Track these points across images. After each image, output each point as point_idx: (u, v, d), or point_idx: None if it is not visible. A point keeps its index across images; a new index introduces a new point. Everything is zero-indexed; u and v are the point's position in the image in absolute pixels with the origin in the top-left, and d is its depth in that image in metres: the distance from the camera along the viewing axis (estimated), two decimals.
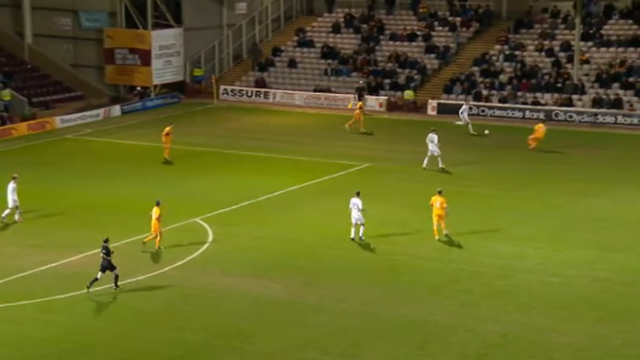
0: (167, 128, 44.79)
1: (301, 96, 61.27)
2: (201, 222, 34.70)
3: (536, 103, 55.72)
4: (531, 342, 24.36)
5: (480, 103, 56.38)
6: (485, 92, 57.45)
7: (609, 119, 52.74)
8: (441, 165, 42.08)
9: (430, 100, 57.56)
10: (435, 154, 42.23)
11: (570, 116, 53.73)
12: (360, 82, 59.15)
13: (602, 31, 59.47)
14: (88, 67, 63.58)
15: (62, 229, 34.52)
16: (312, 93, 61.37)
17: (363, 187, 39.96)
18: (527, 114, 54.55)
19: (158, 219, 31.64)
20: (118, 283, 28.26)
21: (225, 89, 62.91)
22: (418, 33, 63.97)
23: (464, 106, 51.17)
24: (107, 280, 28.27)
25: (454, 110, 55.97)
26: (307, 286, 28.81)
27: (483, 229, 33.76)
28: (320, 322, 26.00)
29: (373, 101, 58.79)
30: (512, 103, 55.83)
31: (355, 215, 32.14)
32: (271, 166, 44.38)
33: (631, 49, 57.51)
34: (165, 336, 25.34)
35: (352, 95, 57.72)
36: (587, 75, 56.58)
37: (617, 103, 53.68)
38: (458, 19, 64.25)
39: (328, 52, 64.31)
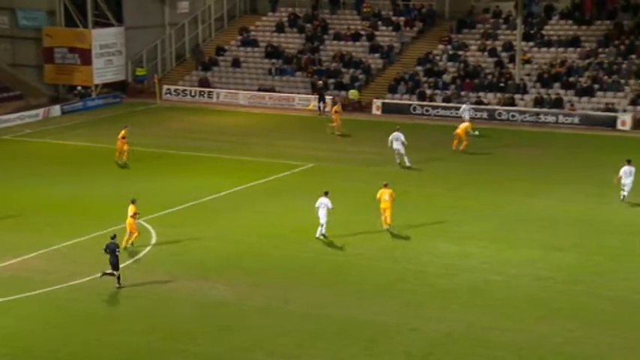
0: (122, 132, 43.98)
1: (245, 96, 61.03)
2: (144, 223, 34.28)
3: (479, 102, 56.23)
4: (475, 340, 24.52)
5: (424, 103, 56.73)
6: (429, 92, 57.82)
7: (551, 119, 53.44)
8: (407, 163, 42.65)
9: (375, 100, 57.74)
10: (401, 151, 42.73)
11: (513, 116, 54.33)
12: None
13: (543, 32, 60.26)
14: (26, 67, 62.59)
15: None
16: (256, 92, 61.17)
17: (308, 187, 40.02)
18: (471, 113, 54.94)
19: (133, 217, 31.38)
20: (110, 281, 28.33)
21: (169, 89, 62.37)
22: (362, 33, 64.15)
23: (464, 106, 51.26)
24: (52, 282, 27.74)
25: (399, 110, 56.38)
26: (253, 287, 28.65)
27: (428, 229, 33.92)
28: (266, 323, 25.85)
29: (316, 101, 58.70)
30: (455, 103, 56.26)
31: (321, 214, 32.35)
32: (216, 166, 44.08)
33: (571, 49, 58.36)
34: (108, 339, 24.96)
35: (312, 96, 57.71)
36: (529, 75, 57.28)
37: (558, 103, 54.43)
38: (401, 18, 64.57)
39: (272, 52, 64.15)
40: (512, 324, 25.52)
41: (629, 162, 36.90)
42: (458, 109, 55.25)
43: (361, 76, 60.80)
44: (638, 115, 52.46)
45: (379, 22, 64.95)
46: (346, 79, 60.64)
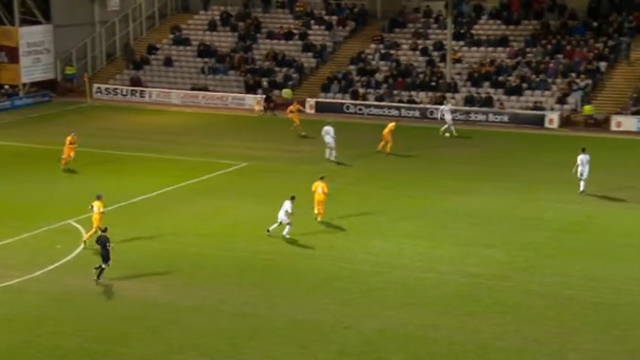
0: (69, 138, 42.79)
1: (178, 95, 60.60)
2: (75, 224, 33.80)
3: (411, 101, 56.75)
4: (408, 337, 24.76)
5: (357, 102, 57.03)
6: (362, 91, 58.14)
7: (481, 117, 54.20)
8: (332, 158, 43.36)
9: (308, 99, 57.85)
10: (332, 145, 43.28)
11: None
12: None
13: (473, 31, 61.09)
14: None
15: None
16: (189, 92, 60.78)
17: (241, 186, 39.98)
18: (403, 112, 55.53)
19: (101, 213, 31.34)
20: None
21: (99, 88, 61.60)
22: (295, 31, 64.20)
23: (442, 107, 51.11)
24: None
25: (332, 109, 56.57)
26: (186, 287, 28.47)
27: (361, 227, 34.12)
28: (199, 323, 25.72)
29: (251, 100, 58.65)
30: (388, 102, 56.70)
31: (280, 215, 32.38)
32: (148, 166, 43.67)
33: (500, 48, 59.28)
34: (37, 342, 24.55)
35: (259, 96, 57.40)
36: (459, 74, 58.01)
37: (488, 102, 55.24)
38: (334, 17, 64.81)
39: (205, 51, 63.80)
40: (444, 320, 25.83)
41: (583, 150, 38.25)
42: (390, 107, 55.77)
43: (294, 75, 60.85)
44: (564, 113, 53.55)
45: (312, 21, 65.09)
46: (279, 78, 60.63)
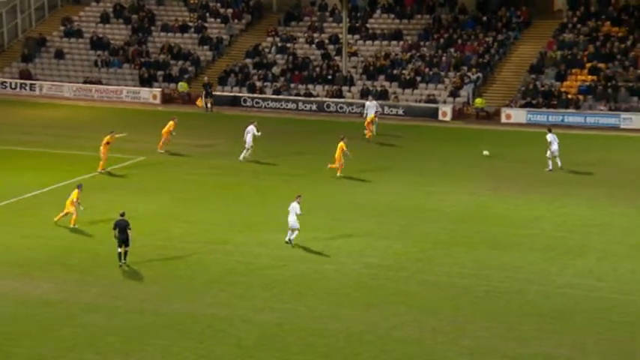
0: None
1: (71, 88, 59.26)
2: None
3: (308, 94, 56.91)
4: (306, 329, 24.80)
5: (255, 95, 56.86)
6: (259, 84, 57.98)
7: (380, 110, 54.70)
8: (240, 157, 42.62)
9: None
10: (250, 144, 42.69)
11: (341, 107, 55.33)
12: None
13: (368, 25, 61.64)
14: None
15: None
16: (82, 85, 59.50)
17: (137, 180, 39.31)
18: (301, 105, 55.66)
19: (76, 201, 32.45)
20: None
21: None
22: (190, 24, 63.55)
23: (367, 103, 50.27)
24: None
25: (229, 102, 56.28)
26: (79, 284, 27.86)
27: (260, 220, 34.01)
28: (93, 321, 25.19)
29: (147, 93, 57.83)
30: (285, 95, 56.72)
31: (291, 221, 31.05)
32: (41, 161, 42.59)
33: (394, 42, 59.99)
34: None
35: (202, 92, 56.24)
36: (355, 67, 58.45)
37: (383, 95, 55.84)
38: (230, 10, 64.42)
39: (98, 43, 62.54)
40: (343, 312, 25.97)
41: (550, 130, 41.18)
42: (287, 101, 55.84)
43: (190, 68, 60.24)
44: (457, 106, 54.59)
45: (207, 14, 64.53)
46: (175, 71, 59.92)
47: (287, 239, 31.19)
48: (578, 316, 25.60)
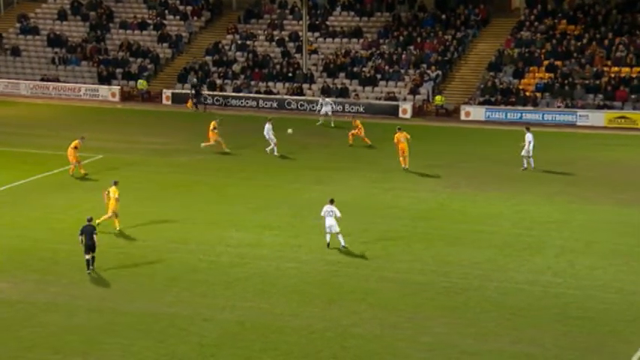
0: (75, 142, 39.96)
1: (27, 85, 58.66)
2: None
3: (269, 92, 56.88)
4: (268, 327, 24.82)
5: (215, 93, 56.70)
6: (219, 82, 57.83)
7: (337, 108, 54.81)
8: (274, 152, 43.45)
9: (165, 90, 57.14)
10: (272, 142, 43.34)
11: (302, 105, 55.38)
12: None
13: (328, 22, 61.75)
14: None
15: None
16: (39, 82, 58.89)
17: (97, 179, 39.01)
18: (261, 103, 55.65)
19: (117, 199, 31.46)
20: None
21: None
22: (149, 21, 63.18)
23: (321, 101, 50.78)
24: None
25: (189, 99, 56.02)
26: (38, 284, 27.62)
27: (220, 219, 33.96)
28: (52, 320, 24.99)
29: (106, 91, 57.42)
30: (246, 93, 56.63)
31: (328, 223, 30.57)
32: None
33: (354, 40, 60.16)
34: None
35: (189, 93, 55.62)
36: (315, 65, 58.54)
37: (343, 92, 55.99)
38: (189, 7, 64.14)
39: (55, 40, 61.93)
40: (304, 309, 26.04)
41: (528, 129, 41.19)
42: (248, 98, 55.76)
43: (150, 66, 59.91)
44: (417, 103, 54.90)
45: (166, 11, 64.21)
46: (134, 68, 59.54)
47: (342, 245, 30.52)
48: (537, 312, 25.90)
